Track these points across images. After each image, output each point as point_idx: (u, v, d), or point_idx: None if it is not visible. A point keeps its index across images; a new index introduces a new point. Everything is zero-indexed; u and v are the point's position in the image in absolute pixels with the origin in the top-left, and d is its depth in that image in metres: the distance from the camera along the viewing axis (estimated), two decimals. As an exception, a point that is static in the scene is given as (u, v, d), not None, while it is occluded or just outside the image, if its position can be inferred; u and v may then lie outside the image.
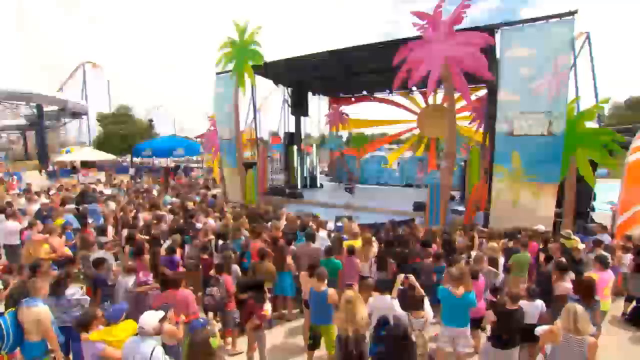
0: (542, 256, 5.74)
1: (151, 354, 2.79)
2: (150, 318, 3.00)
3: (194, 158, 34.21)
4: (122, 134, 33.49)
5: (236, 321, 4.61)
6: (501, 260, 5.26)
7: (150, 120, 36.23)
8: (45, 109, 36.34)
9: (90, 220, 7.78)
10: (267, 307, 4.27)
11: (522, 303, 3.99)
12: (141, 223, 7.58)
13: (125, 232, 6.99)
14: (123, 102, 39.56)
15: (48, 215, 7.86)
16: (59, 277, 4.21)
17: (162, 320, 3.39)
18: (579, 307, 3.16)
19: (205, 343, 2.74)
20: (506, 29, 8.58)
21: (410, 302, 3.66)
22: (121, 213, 8.53)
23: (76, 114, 40.23)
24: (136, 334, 3.04)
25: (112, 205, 9.99)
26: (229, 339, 4.89)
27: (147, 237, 6.39)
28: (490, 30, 8.72)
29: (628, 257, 5.97)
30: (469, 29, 8.88)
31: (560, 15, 7.96)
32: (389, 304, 3.81)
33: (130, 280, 4.40)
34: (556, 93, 8.04)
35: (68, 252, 6.47)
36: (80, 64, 48.62)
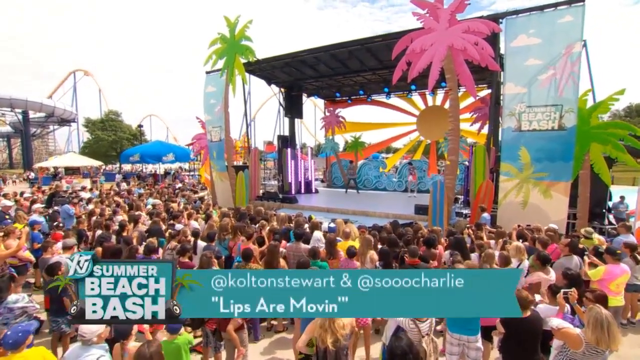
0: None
1: None
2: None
3: (186, 166, 33.46)
4: (111, 140, 32.63)
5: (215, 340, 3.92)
6: (525, 263, 4.56)
7: (140, 126, 35.24)
8: (32, 115, 35.47)
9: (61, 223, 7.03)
10: None
11: (542, 307, 3.42)
12: (116, 225, 6.84)
13: (98, 233, 6.32)
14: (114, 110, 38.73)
15: (10, 218, 7.05)
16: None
17: (124, 339, 2.74)
18: (610, 316, 2.59)
19: (158, 356, 2.25)
20: (511, 18, 8.11)
21: None
22: (96, 215, 7.76)
23: (64, 121, 39.37)
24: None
25: (89, 207, 9.22)
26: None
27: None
28: (494, 20, 8.26)
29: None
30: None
31: (569, 2, 7.50)
32: None
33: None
34: (566, 84, 7.54)
35: (29, 255, 5.75)
36: (71, 71, 48.01)
